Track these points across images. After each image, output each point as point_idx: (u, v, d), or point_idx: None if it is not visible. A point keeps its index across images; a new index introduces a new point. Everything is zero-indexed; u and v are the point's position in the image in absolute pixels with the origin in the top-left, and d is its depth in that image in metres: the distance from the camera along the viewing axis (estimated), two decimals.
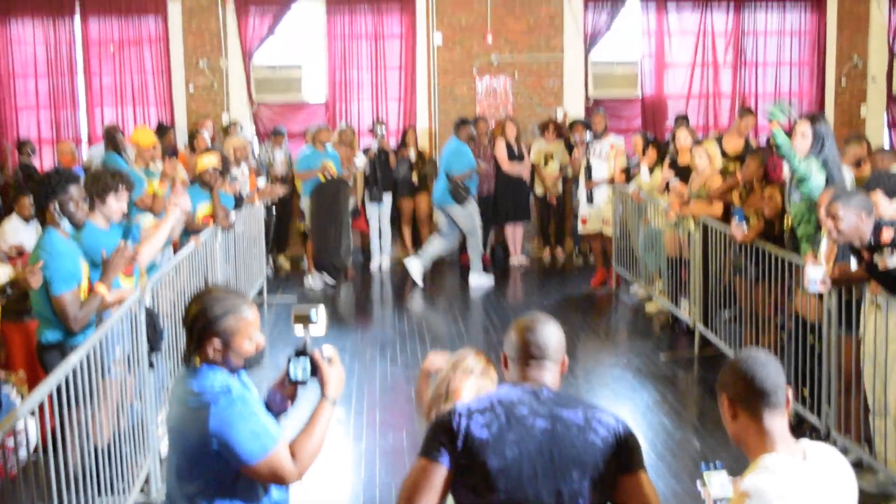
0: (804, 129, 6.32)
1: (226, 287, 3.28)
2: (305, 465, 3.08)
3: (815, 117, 6.45)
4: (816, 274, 5.53)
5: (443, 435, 2.79)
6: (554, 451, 2.76)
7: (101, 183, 5.74)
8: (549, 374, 2.94)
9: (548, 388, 2.89)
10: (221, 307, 3.08)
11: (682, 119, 12.12)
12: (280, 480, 3.06)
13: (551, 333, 2.98)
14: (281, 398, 3.29)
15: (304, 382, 3.19)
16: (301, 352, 3.18)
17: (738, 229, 7.10)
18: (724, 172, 8.92)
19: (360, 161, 11.78)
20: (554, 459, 2.76)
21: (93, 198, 5.66)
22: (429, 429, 2.86)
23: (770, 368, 2.74)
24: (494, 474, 2.74)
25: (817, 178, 6.25)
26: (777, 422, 2.72)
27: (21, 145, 11.41)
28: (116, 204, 5.82)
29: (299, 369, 3.16)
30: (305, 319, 3.18)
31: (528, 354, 2.94)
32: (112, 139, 11.48)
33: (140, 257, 5.79)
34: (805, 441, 2.78)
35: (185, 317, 3.17)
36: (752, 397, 2.72)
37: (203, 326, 3.07)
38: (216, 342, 3.06)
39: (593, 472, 2.77)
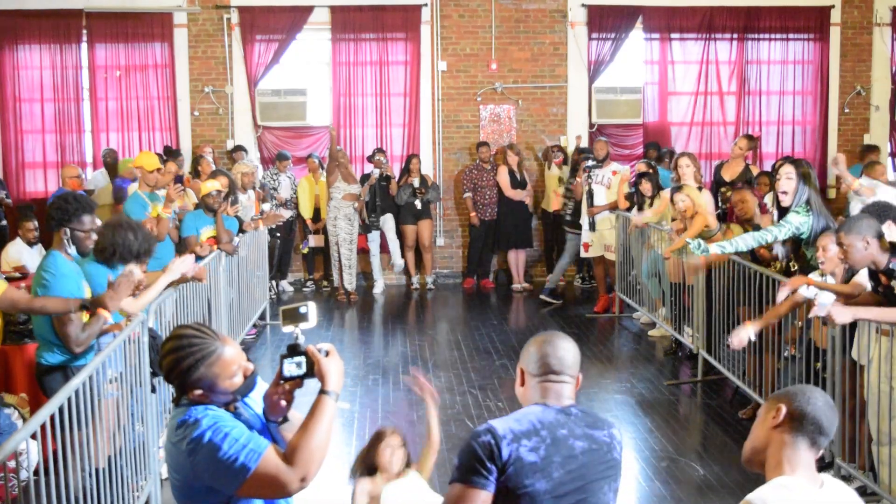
0: (788, 171, 6.53)
1: (194, 327, 3.00)
2: (308, 467, 2.80)
3: (798, 161, 6.67)
4: (827, 299, 5.54)
5: (488, 461, 2.78)
6: (590, 469, 2.90)
7: (127, 230, 5.76)
8: (568, 390, 3.01)
9: (575, 407, 2.99)
10: (192, 359, 2.89)
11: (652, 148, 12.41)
12: (281, 492, 2.82)
13: (569, 348, 3.04)
14: (276, 400, 3.01)
15: (300, 379, 2.94)
16: (293, 348, 2.93)
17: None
18: (725, 200, 8.95)
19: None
20: (590, 477, 2.90)
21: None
22: (467, 455, 2.81)
23: (834, 418, 2.77)
24: (541, 497, 2.81)
25: (797, 219, 6.41)
26: (810, 456, 2.72)
27: None
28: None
29: (293, 366, 2.91)
30: (294, 316, 2.97)
31: (548, 369, 2.99)
32: (107, 163, 11.60)
33: (132, 307, 5.78)
34: (825, 475, 2.77)
35: (159, 363, 2.98)
36: (810, 425, 2.71)
37: (179, 382, 2.91)
38: (197, 391, 2.91)
39: (615, 483, 3.01)
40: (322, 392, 2.89)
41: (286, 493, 2.84)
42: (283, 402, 3.02)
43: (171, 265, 6.23)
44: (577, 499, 2.88)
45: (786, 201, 6.55)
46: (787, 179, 6.52)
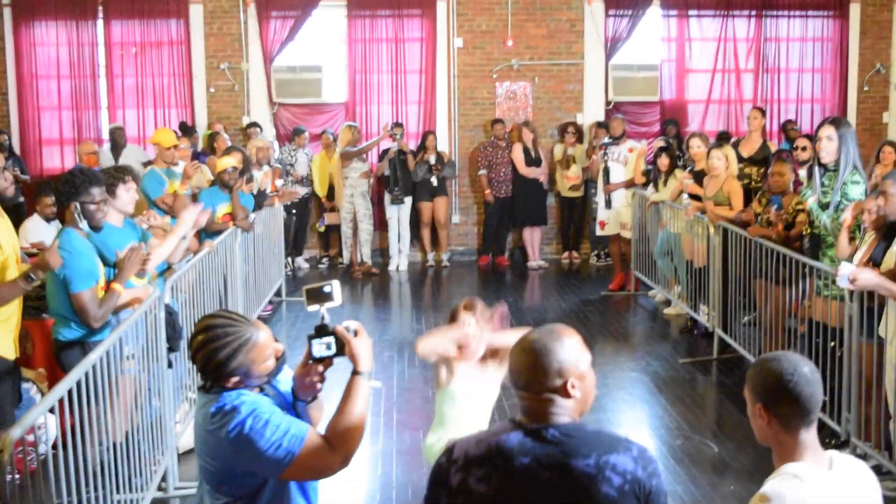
0: (829, 133, 6.35)
1: (224, 315, 2.98)
2: (348, 448, 2.86)
3: (838, 121, 6.48)
4: (849, 270, 5.51)
5: (441, 487, 2.59)
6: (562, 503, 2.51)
7: (107, 178, 5.76)
8: (551, 406, 2.57)
9: (555, 428, 2.54)
10: (229, 349, 2.86)
11: (672, 125, 12.51)
12: (324, 473, 2.89)
13: (531, 357, 2.58)
14: (309, 382, 3.02)
15: (330, 359, 2.93)
16: (321, 328, 2.91)
17: (777, 216, 7.12)
18: (742, 176, 8.92)
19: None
20: None
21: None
22: (430, 477, 2.66)
23: (815, 386, 2.62)
24: None
25: (856, 191, 6.27)
26: (810, 434, 2.66)
27: None
28: (127, 194, 5.79)
29: (322, 346, 2.89)
30: (319, 296, 2.94)
31: (516, 382, 2.62)
32: (113, 140, 11.63)
33: (147, 265, 5.81)
34: (832, 451, 2.73)
35: (192, 356, 2.94)
36: (794, 416, 2.62)
37: (216, 374, 2.90)
38: (233, 379, 2.91)
39: None
40: (355, 373, 2.92)
41: (328, 474, 2.89)
42: (318, 384, 3.04)
43: (181, 217, 6.22)
44: None
45: (825, 159, 6.44)
46: (828, 140, 6.39)
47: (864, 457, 5.67)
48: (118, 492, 4.77)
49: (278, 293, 10.68)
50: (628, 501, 2.50)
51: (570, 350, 2.60)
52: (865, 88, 13.41)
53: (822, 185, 6.45)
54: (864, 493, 2.68)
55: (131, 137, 12.32)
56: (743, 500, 5.28)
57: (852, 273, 5.37)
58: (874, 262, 5.70)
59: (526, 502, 2.50)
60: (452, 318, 4.54)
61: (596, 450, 2.51)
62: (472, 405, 4.47)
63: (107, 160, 11.32)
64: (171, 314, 5.78)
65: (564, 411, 2.58)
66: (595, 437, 2.56)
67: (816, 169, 6.52)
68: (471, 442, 2.60)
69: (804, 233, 6.78)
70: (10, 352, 5.12)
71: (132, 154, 11.52)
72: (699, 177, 8.93)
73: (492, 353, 4.55)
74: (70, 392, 4.12)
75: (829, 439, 6.04)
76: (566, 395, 2.56)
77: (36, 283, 4.93)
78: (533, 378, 2.57)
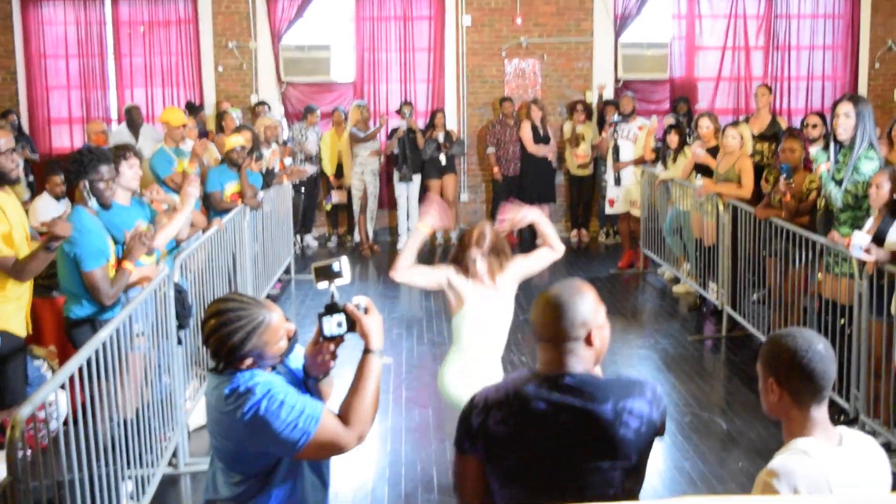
0: (847, 110, 6.26)
1: (235, 299, 2.95)
2: (363, 426, 2.89)
3: (856, 98, 6.41)
4: (863, 240, 5.49)
5: (465, 430, 2.73)
6: (579, 448, 2.64)
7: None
8: (571, 356, 2.69)
9: (570, 376, 2.67)
10: (242, 332, 2.85)
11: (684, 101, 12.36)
12: (338, 451, 2.90)
13: (557, 311, 2.69)
14: (321, 361, 3.02)
15: (341, 337, 2.92)
16: (332, 306, 2.89)
17: (786, 185, 7.09)
18: (753, 153, 8.88)
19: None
20: (580, 455, 2.64)
21: None
22: (458, 422, 2.78)
23: (828, 363, 2.62)
24: (515, 469, 2.68)
25: (868, 167, 6.21)
26: (821, 411, 2.65)
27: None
28: (130, 171, 5.71)
29: (334, 324, 2.88)
30: (328, 273, 2.93)
31: (536, 333, 2.77)
32: (130, 119, 11.62)
33: (156, 242, 5.81)
34: (842, 428, 2.73)
35: (204, 341, 2.93)
36: (806, 392, 2.62)
37: (229, 358, 2.89)
38: (246, 361, 2.91)
39: (625, 462, 2.66)
40: (367, 351, 2.93)
41: (343, 452, 2.92)
42: (331, 362, 3.05)
43: (185, 193, 6.22)
44: (567, 477, 2.66)
45: (842, 135, 6.37)
46: (846, 117, 6.30)
47: (872, 434, 5.67)
48: (129, 468, 4.81)
49: (287, 271, 10.70)
50: (643, 440, 2.69)
51: (590, 302, 2.75)
52: (877, 65, 13.32)
53: (837, 161, 6.41)
54: (874, 469, 2.68)
55: None
56: (751, 475, 5.28)
57: (869, 245, 5.35)
58: (881, 236, 5.68)
59: (543, 445, 2.65)
60: (462, 248, 4.64)
61: (613, 395, 2.68)
62: (483, 327, 4.61)
63: (125, 139, 11.35)
64: (180, 292, 5.80)
65: (582, 361, 2.71)
66: (611, 385, 2.72)
67: (832, 145, 6.46)
68: (490, 389, 2.76)
69: (818, 208, 6.74)
70: (22, 329, 5.16)
71: (149, 133, 11.52)
72: (711, 154, 8.89)
73: (497, 262, 4.71)
74: (81, 369, 4.14)
75: (838, 416, 6.04)
76: (589, 343, 2.71)
77: (55, 251, 4.95)
78: (558, 330, 2.69)
